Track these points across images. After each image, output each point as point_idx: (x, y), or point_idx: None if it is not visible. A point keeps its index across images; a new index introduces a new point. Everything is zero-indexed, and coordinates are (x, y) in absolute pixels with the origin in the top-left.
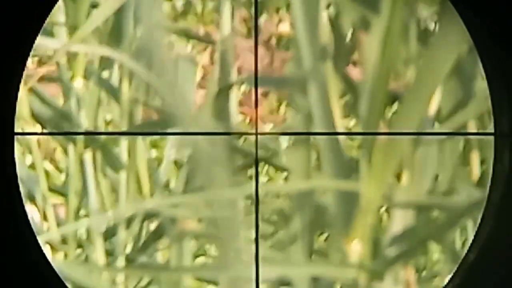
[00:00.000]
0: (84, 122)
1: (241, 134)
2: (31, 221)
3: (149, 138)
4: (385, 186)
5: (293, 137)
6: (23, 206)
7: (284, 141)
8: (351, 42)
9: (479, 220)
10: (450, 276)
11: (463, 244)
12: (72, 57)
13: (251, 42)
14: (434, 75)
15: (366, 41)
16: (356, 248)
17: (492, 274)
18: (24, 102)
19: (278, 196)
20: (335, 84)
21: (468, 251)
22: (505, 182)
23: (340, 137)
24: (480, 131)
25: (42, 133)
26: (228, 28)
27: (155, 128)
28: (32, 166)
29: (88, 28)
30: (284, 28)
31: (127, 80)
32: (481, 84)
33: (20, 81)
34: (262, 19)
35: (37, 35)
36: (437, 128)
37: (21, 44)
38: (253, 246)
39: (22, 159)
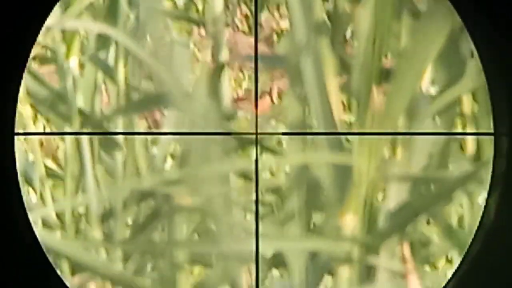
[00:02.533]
0: (80, 103)
1: (241, 134)
2: (31, 221)
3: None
4: (379, 159)
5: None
6: (23, 206)
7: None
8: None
9: (477, 221)
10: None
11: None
12: (67, 35)
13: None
14: (426, 49)
15: (358, 15)
16: (351, 222)
17: (490, 275)
18: None
19: (273, 173)
20: (331, 62)
21: (467, 251)
22: (504, 182)
23: (334, 108)
24: (479, 131)
25: (42, 133)
26: (220, 9)
27: (151, 106)
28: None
29: (82, 4)
30: (285, 24)
31: (123, 59)
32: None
33: (20, 82)
34: (263, 16)
35: (37, 36)
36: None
37: (21, 45)
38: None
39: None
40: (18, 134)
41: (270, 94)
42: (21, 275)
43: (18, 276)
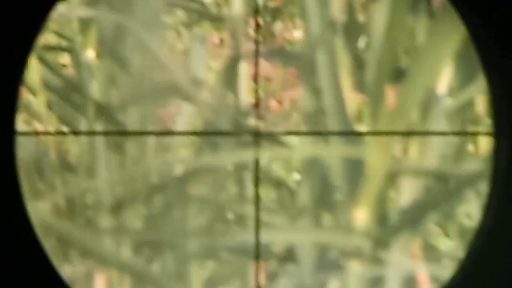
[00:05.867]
0: (95, 94)
1: (242, 132)
2: (31, 221)
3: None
4: (391, 153)
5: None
6: (23, 206)
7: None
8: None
9: (478, 221)
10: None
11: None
12: (83, 25)
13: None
14: (442, 49)
15: (374, 12)
16: (362, 216)
17: (490, 276)
18: (34, 70)
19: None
20: (345, 59)
21: (469, 250)
22: (504, 182)
23: (348, 104)
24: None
25: (43, 133)
26: (238, 7)
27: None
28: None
29: None
30: (297, 35)
31: (137, 51)
32: None
33: (21, 83)
34: (276, 26)
35: (37, 38)
36: (445, 101)
37: (22, 46)
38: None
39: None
40: (19, 133)
41: (280, 103)
42: (19, 273)
43: (16, 275)
